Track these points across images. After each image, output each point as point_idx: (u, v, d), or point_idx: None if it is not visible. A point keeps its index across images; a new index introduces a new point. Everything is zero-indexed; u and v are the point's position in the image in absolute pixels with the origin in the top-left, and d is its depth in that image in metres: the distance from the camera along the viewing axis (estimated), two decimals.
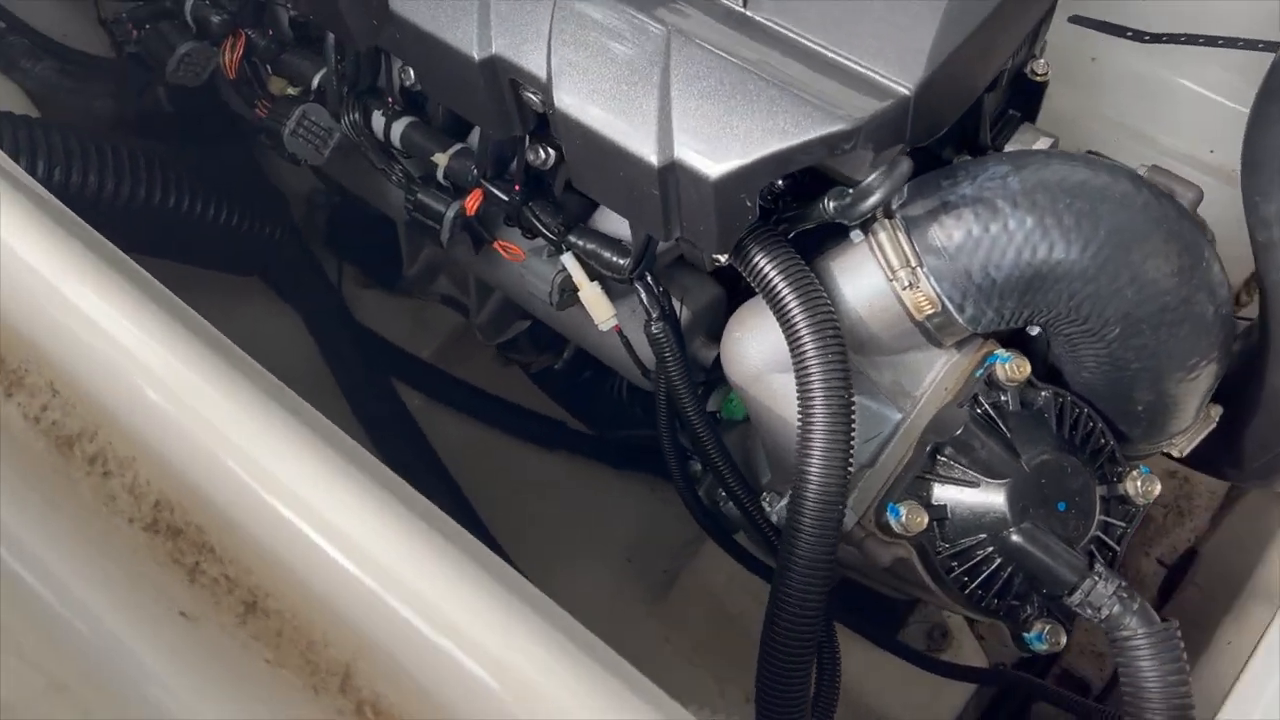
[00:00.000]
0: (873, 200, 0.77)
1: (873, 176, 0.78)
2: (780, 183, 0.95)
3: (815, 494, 0.82)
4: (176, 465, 0.57)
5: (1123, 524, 0.92)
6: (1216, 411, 0.97)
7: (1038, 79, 1.03)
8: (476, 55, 0.84)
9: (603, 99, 0.80)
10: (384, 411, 1.54)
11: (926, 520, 0.86)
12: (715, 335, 1.18)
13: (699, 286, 1.14)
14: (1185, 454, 0.98)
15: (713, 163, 0.77)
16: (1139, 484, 0.92)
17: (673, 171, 0.79)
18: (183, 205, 1.38)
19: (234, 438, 0.57)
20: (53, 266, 0.62)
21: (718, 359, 1.15)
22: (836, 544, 0.83)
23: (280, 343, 1.67)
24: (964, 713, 1.49)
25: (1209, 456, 1.03)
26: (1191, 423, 0.96)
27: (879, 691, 1.47)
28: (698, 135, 0.77)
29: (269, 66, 1.18)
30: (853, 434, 0.83)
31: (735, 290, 1.21)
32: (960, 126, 1.06)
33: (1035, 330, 0.97)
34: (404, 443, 1.52)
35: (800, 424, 0.83)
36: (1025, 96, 1.08)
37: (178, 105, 1.55)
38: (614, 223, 1.05)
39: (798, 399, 0.84)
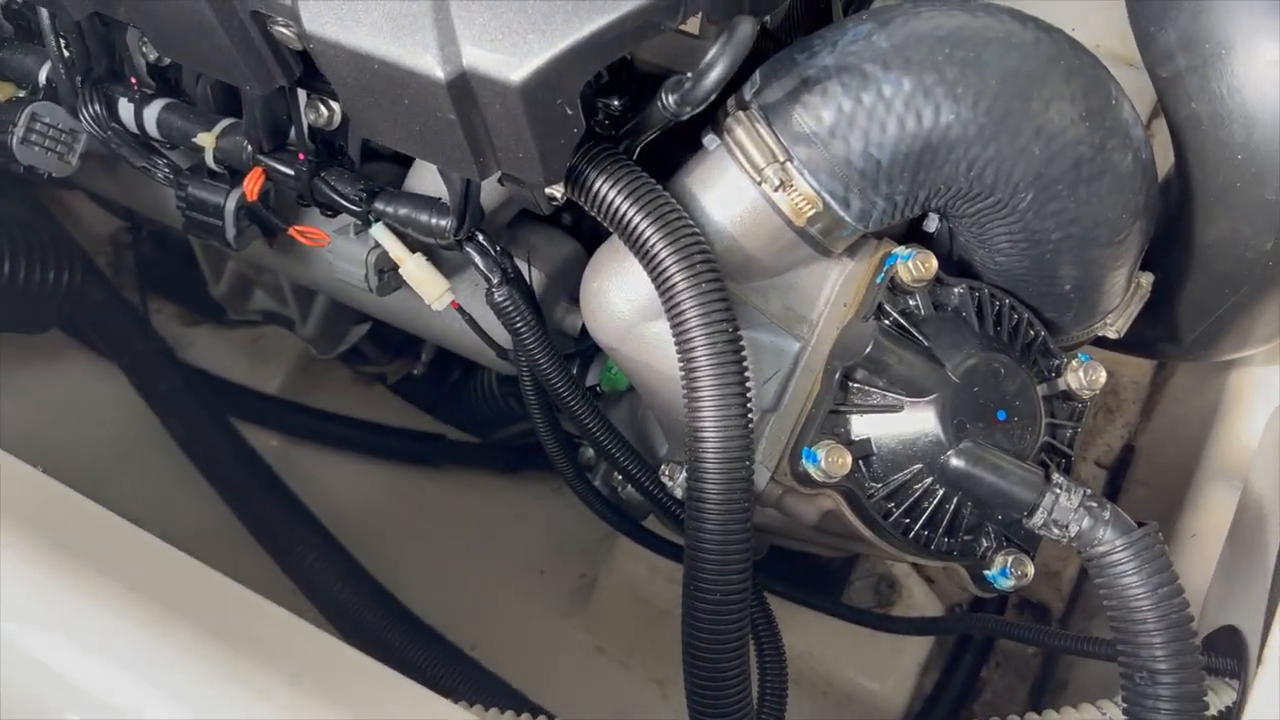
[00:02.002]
0: (716, 74, 0.62)
1: (712, 49, 0.63)
2: (617, 101, 0.80)
3: (715, 454, 0.68)
4: None
5: (1071, 423, 0.80)
6: (1148, 280, 0.85)
7: None
8: None
9: (364, 8, 0.63)
10: (227, 459, 1.33)
11: (850, 460, 0.72)
12: (578, 298, 1.02)
13: (550, 244, 0.98)
14: (1122, 333, 0.86)
15: (513, 64, 0.61)
16: (1082, 374, 0.79)
17: (466, 85, 0.63)
18: None
19: None
20: None
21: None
22: (750, 509, 0.69)
23: (101, 400, 1.46)
24: (927, 662, 1.37)
25: (1141, 335, 0.91)
26: (1123, 297, 0.84)
27: (835, 658, 1.35)
28: (487, 33, 0.61)
29: None
30: (746, 375, 0.68)
31: (597, 246, 1.06)
32: (810, 9, 0.92)
33: (934, 224, 0.84)
34: (256, 492, 1.32)
35: (683, 374, 0.68)
36: None
37: None
38: (431, 183, 0.89)
39: (675, 346, 0.69)
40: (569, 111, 0.64)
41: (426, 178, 0.89)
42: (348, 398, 1.60)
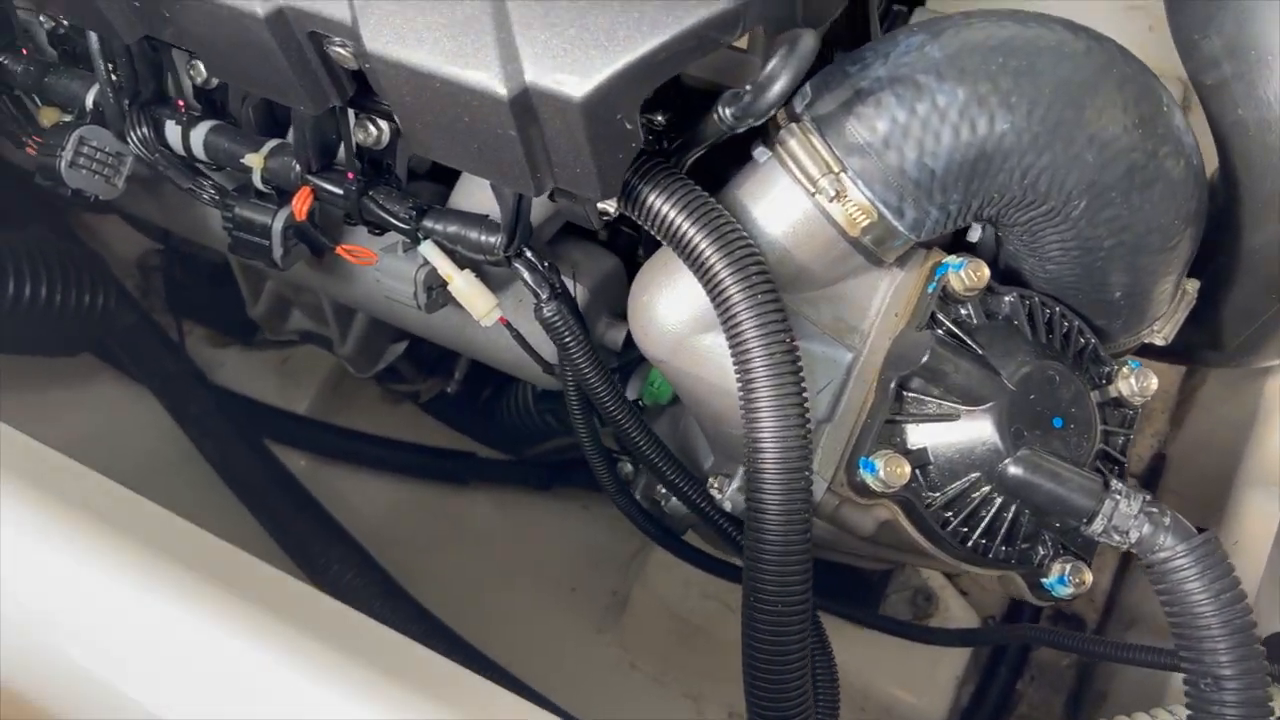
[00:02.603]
0: (779, 87, 0.63)
1: (772, 62, 0.63)
2: (661, 116, 0.81)
3: (774, 464, 0.68)
4: None
5: (1123, 430, 0.80)
6: (1194, 287, 0.85)
7: None
8: (260, 9, 0.67)
9: (425, 27, 0.64)
10: (261, 480, 1.34)
11: (909, 470, 0.72)
12: (619, 313, 1.03)
13: (591, 259, 0.99)
14: (1170, 340, 0.86)
15: (575, 80, 0.61)
16: (1133, 381, 0.79)
17: (528, 102, 0.63)
18: None
19: None
20: None
21: (628, 338, 1.00)
22: (810, 519, 0.68)
23: (133, 423, 1.46)
24: (965, 675, 1.37)
25: (1185, 342, 0.91)
26: (1170, 303, 0.84)
27: (872, 672, 1.34)
28: (550, 49, 0.62)
29: (35, 97, 0.98)
30: (803, 385, 0.68)
31: (634, 261, 1.06)
32: (850, 24, 0.93)
33: (977, 233, 0.85)
34: (291, 511, 1.33)
35: (740, 385, 0.69)
36: None
37: None
38: (476, 200, 0.89)
39: (732, 357, 0.69)
40: (628, 126, 0.65)
41: (473, 195, 0.89)
42: (376, 417, 1.60)
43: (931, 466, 0.74)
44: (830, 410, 0.77)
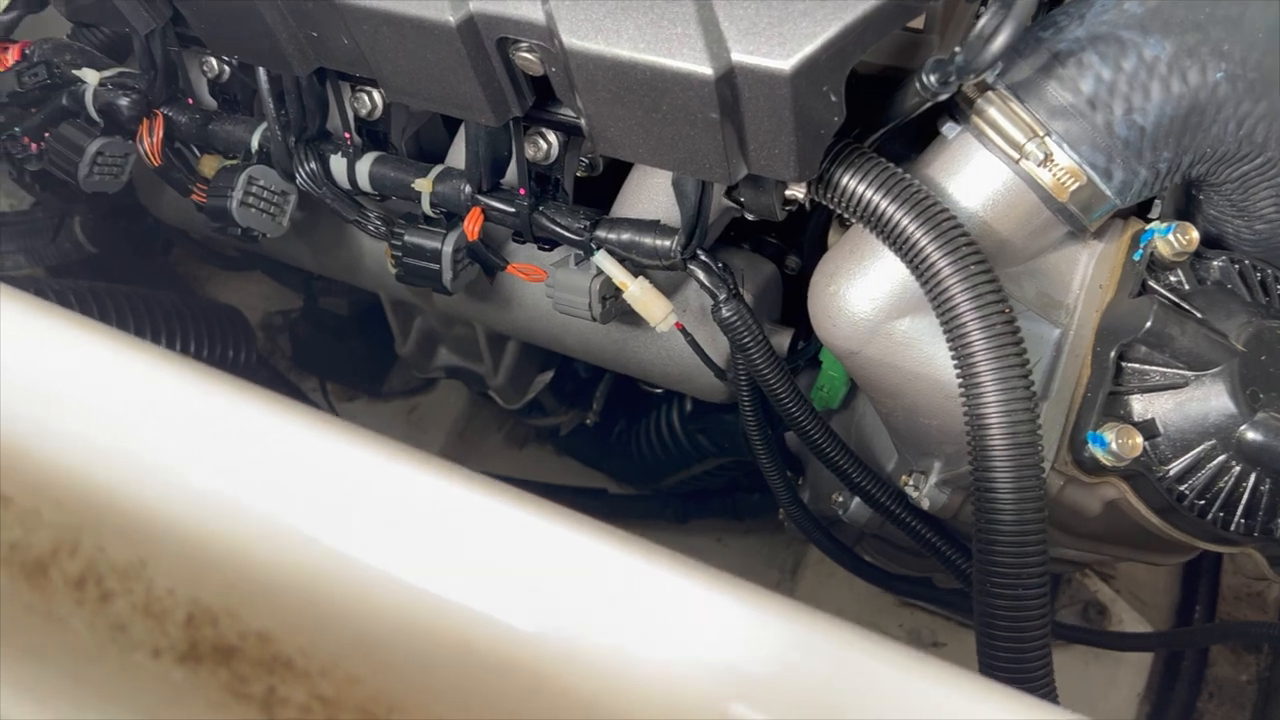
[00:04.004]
0: (1002, 39, 0.61)
1: (984, 19, 0.62)
2: None
3: (1004, 442, 0.64)
4: (210, 554, 0.38)
5: None
6: None
7: None
8: (452, 18, 0.68)
9: (624, 15, 0.64)
10: None
11: (1140, 441, 0.68)
12: (776, 318, 1.02)
13: (751, 266, 0.97)
14: None
15: (784, 53, 0.61)
16: None
17: (733, 80, 0.63)
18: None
19: (302, 487, 0.38)
20: None
21: (793, 344, 0.99)
22: (1043, 495, 0.65)
23: None
24: (1144, 691, 1.30)
25: None
26: None
27: None
28: (755, 26, 0.61)
29: (195, 148, 1.01)
30: (1026, 358, 0.66)
31: (783, 270, 1.05)
32: None
33: (1158, 210, 0.82)
34: None
35: (959, 362, 0.66)
36: None
37: (100, 242, 1.37)
38: (640, 210, 0.89)
39: (946, 334, 0.67)
40: (833, 99, 0.64)
41: (637, 205, 0.89)
42: (502, 461, 1.60)
43: (1161, 438, 0.70)
44: (1045, 387, 0.74)
